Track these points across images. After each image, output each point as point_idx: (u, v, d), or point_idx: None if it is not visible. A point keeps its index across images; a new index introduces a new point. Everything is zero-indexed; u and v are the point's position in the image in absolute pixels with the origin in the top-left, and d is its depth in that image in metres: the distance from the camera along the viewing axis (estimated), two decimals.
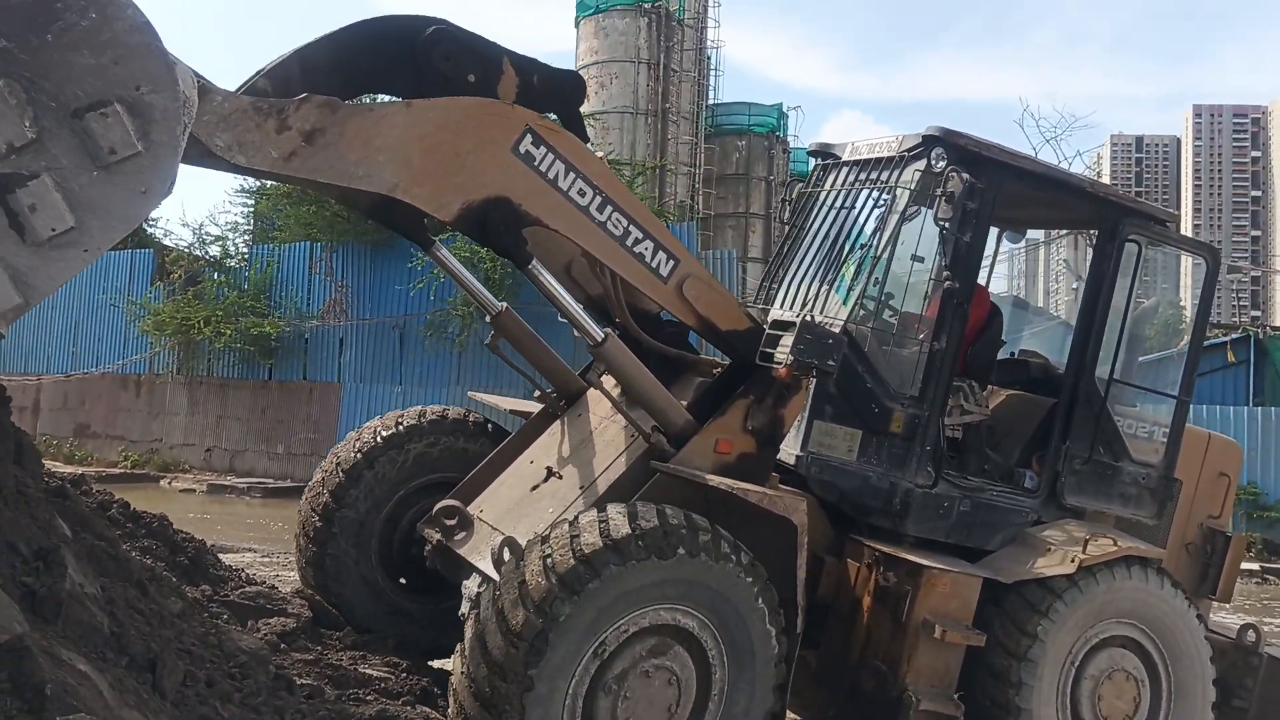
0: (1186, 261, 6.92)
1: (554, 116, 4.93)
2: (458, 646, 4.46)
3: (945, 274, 5.55)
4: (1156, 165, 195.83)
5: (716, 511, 4.79)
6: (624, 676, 4.36)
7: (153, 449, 25.43)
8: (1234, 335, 21.28)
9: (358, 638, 5.91)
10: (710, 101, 39.03)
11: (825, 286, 5.93)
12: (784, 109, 40.44)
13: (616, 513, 4.43)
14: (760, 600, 4.57)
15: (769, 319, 6.23)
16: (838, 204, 6.23)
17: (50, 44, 3.03)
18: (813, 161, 6.70)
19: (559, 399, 6.07)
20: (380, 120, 4.09)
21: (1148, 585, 5.61)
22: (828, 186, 6.37)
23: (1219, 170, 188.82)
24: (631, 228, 4.79)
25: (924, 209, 5.79)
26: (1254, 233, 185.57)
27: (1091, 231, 6.60)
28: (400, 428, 6.19)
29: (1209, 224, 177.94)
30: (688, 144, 37.44)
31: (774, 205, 39.36)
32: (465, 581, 5.25)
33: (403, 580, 6.17)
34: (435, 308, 24.71)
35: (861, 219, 6.07)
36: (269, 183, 29.35)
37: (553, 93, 5.03)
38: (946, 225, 5.41)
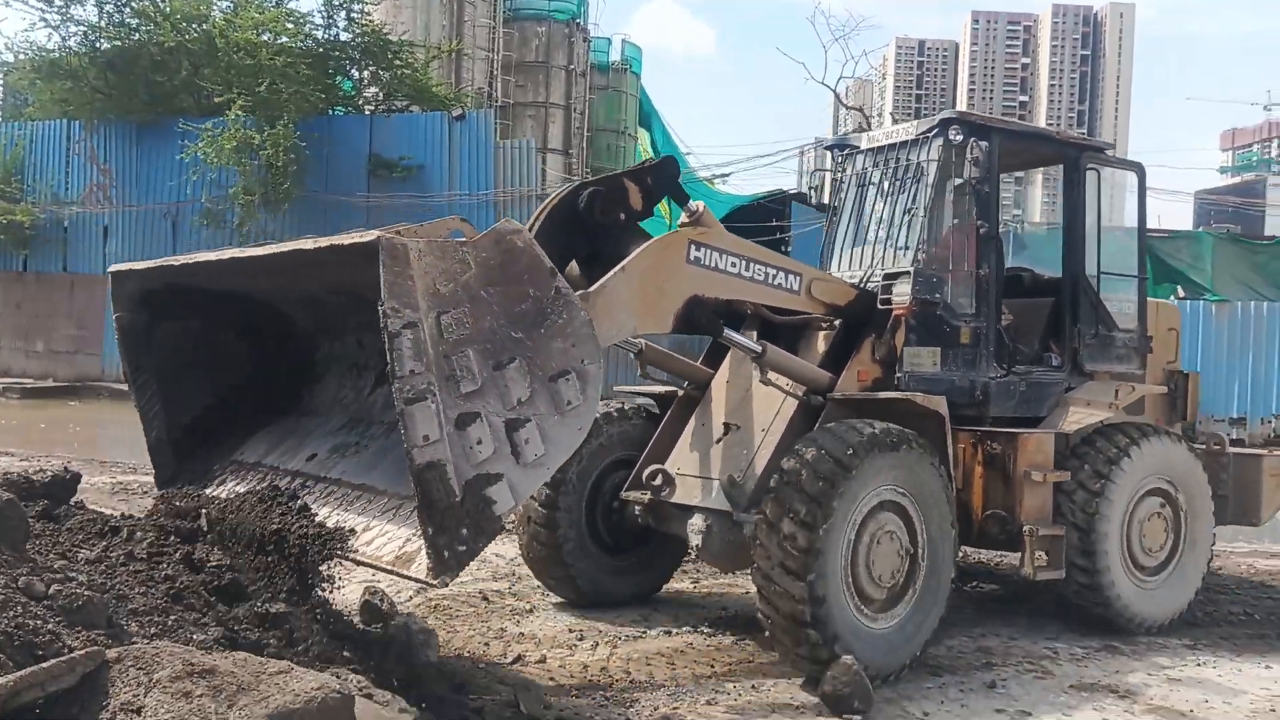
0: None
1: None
2: (754, 551, 5.92)
3: (978, 220, 7.31)
4: (936, 69, 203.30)
5: None
6: (873, 538, 5.97)
7: None
8: None
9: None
10: None
11: (885, 247, 7.56)
12: None
13: (846, 427, 5.99)
14: (941, 476, 6.30)
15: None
16: (870, 183, 7.92)
17: (542, 333, 4.82)
18: (831, 154, 8.39)
19: (698, 390, 7.51)
20: (611, 290, 5.58)
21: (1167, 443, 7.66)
22: (856, 170, 8.06)
23: (992, 75, 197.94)
24: (769, 269, 6.43)
25: (937, 173, 7.56)
26: None
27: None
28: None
29: None
30: (485, 28, 36.13)
31: (574, 96, 38.48)
32: (690, 520, 6.67)
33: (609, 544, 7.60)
34: (212, 194, 22.71)
35: (895, 191, 7.65)
36: (18, 52, 26.42)
37: (660, 180, 6.54)
38: (976, 183, 7.18)
